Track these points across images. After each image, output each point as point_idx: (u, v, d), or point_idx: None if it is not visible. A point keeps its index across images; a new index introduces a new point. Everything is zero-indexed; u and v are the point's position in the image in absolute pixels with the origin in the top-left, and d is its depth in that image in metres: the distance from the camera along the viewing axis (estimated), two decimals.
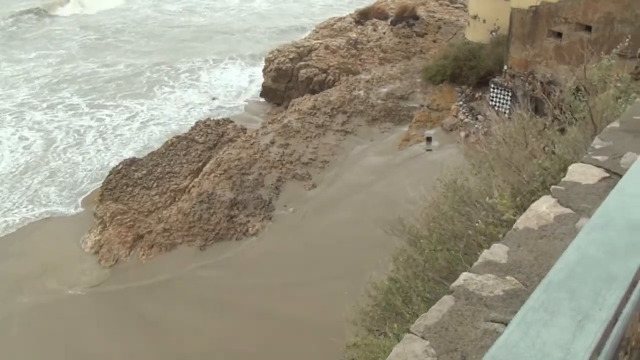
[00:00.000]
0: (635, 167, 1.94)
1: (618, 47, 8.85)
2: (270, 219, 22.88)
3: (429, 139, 25.33)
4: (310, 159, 25.95)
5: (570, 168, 3.74)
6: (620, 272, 1.40)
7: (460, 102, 27.05)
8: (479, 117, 25.40)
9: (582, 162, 3.78)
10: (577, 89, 9.38)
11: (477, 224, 5.90)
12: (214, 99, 35.38)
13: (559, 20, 21.99)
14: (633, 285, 1.41)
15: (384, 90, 30.19)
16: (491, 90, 25.47)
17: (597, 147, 3.92)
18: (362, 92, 30.11)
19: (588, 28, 21.08)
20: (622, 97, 8.02)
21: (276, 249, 20.88)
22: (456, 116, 26.16)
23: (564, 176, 3.70)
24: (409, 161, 25.07)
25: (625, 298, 1.37)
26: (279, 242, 21.38)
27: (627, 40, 9.38)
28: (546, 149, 7.93)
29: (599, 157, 3.75)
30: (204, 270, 20.61)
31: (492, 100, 25.21)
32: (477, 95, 27.31)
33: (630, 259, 1.45)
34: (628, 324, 1.53)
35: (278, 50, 35.70)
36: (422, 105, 28.74)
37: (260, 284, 19.20)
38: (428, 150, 24.90)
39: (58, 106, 34.84)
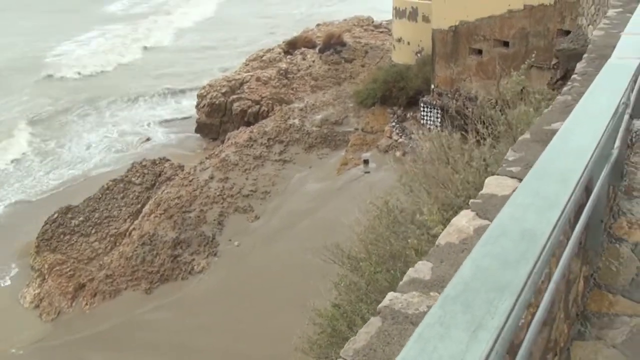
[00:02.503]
0: (528, 178, 2.07)
1: (526, 62, 9.30)
2: (215, 254, 22.62)
3: (366, 162, 25.71)
4: (251, 190, 25.89)
5: (486, 181, 3.91)
6: (512, 280, 1.50)
7: (393, 123, 27.63)
8: (412, 136, 25.98)
9: (498, 174, 3.96)
10: (497, 103, 9.79)
11: (409, 241, 6.04)
12: (147, 139, 34.94)
13: (478, 37, 22.89)
14: (522, 291, 1.51)
15: (318, 117, 30.54)
16: (421, 109, 26.16)
17: (510, 158, 4.12)
18: (296, 121, 30.37)
19: (506, 43, 22.04)
20: (540, 109, 8.43)
21: (224, 285, 20.62)
22: (390, 137, 26.68)
23: None
24: (349, 185, 25.34)
25: (515, 304, 1.46)
26: (227, 277, 21.14)
27: (534, 54, 9.88)
28: (472, 163, 8.23)
29: (512, 169, 3.94)
30: (152, 314, 20.12)
31: (423, 119, 25.88)
32: (408, 115, 27.96)
33: (522, 267, 1.56)
34: (516, 328, 1.63)
35: (210, 85, 35.69)
36: (356, 129, 29.20)
37: (211, 323, 18.88)
38: (366, 172, 25.24)
39: None
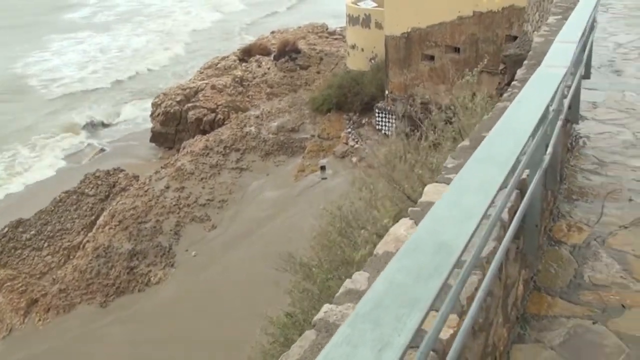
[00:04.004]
0: (449, 190, 2.09)
1: (474, 69, 9.46)
2: (172, 265, 22.33)
3: (323, 168, 25.78)
4: (208, 199, 25.66)
5: (425, 189, 3.93)
6: (423, 295, 1.50)
7: (349, 129, 27.79)
8: (368, 141, 26.18)
9: (437, 181, 3.99)
10: (448, 108, 9.94)
11: (361, 236, 6.06)
12: (102, 150, 34.29)
13: (430, 44, 23.23)
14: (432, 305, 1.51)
15: (275, 124, 30.50)
16: (376, 115, 26.38)
17: (449, 165, 4.16)
18: (253, 128, 30.26)
19: (457, 49, 22.42)
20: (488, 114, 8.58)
21: (181, 296, 20.35)
22: (346, 143, 26.83)
23: None
24: (306, 191, 25.36)
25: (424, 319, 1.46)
26: (184, 288, 20.87)
27: (487, 58, 10.07)
28: (425, 162, 8.32)
29: (451, 176, 3.97)
30: (108, 328, 19.70)
31: (378, 125, 26.09)
32: (364, 121, 28.17)
33: (434, 281, 1.57)
34: (434, 342, 1.64)
35: (164, 94, 35.27)
36: (312, 136, 29.26)
37: (169, 334, 18.59)
38: (323, 178, 25.31)
39: None
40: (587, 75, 7.68)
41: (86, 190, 26.91)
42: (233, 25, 57.70)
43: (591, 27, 6.68)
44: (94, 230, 24.10)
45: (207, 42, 51.58)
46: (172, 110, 33.57)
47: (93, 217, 25.49)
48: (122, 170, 28.95)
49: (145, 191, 25.78)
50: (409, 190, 6.23)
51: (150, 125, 34.77)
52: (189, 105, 33.61)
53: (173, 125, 33.59)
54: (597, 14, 7.96)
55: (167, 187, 25.95)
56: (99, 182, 27.53)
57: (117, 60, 48.53)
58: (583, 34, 5.33)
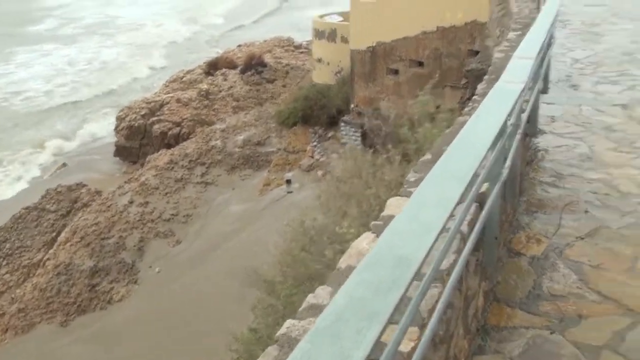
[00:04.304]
0: (408, 205, 2.12)
1: (435, 83, 9.61)
2: (135, 282, 21.98)
3: (288, 182, 25.74)
4: (172, 214, 25.38)
5: (387, 202, 3.97)
6: (382, 308, 1.52)
7: (315, 143, 27.85)
8: (333, 155, 26.27)
9: (399, 195, 4.03)
10: (408, 123, 10.05)
11: (325, 256, 6.07)
12: (64, 164, 33.70)
13: (395, 58, 23.49)
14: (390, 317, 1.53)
15: (240, 137, 30.40)
16: (342, 128, 26.50)
17: (412, 179, 4.20)
18: (218, 142, 30.11)
19: (421, 64, 22.71)
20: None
21: (145, 313, 20.02)
22: (312, 156, 26.87)
23: None
24: (272, 205, 25.26)
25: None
26: (147, 305, 20.54)
27: (437, 75, 10.25)
28: (384, 178, 8.39)
29: (412, 190, 4.01)
30: (69, 348, 19.25)
31: (343, 138, 26.20)
32: (329, 135, 28.25)
33: (393, 294, 1.59)
34: (394, 355, 1.66)
35: (128, 108, 34.92)
36: (278, 149, 29.23)
37: (132, 353, 18.25)
38: (289, 192, 25.26)
39: None
40: (545, 90, 7.88)
41: (47, 206, 26.40)
42: (205, 38, 57.51)
43: (549, 43, 6.87)
44: (54, 247, 23.61)
45: (179, 55, 51.17)
46: (136, 124, 33.24)
47: (54, 234, 25.00)
48: (84, 185, 28.48)
49: (108, 206, 25.39)
50: (372, 203, 6.28)
51: (114, 139, 34.36)
52: (154, 119, 33.33)
53: (137, 139, 33.24)
54: (555, 31, 8.19)
55: (131, 202, 25.59)
56: (61, 198, 27.04)
57: (86, 74, 47.85)
58: (541, 50, 5.48)
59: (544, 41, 5.60)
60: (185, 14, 65.98)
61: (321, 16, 31.51)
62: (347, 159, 8.90)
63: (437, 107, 10.56)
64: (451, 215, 2.21)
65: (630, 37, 11.66)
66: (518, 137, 4.19)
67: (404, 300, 1.67)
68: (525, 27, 8.08)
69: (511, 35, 8.84)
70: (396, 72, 23.96)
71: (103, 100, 42.94)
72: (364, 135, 23.54)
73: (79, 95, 43.76)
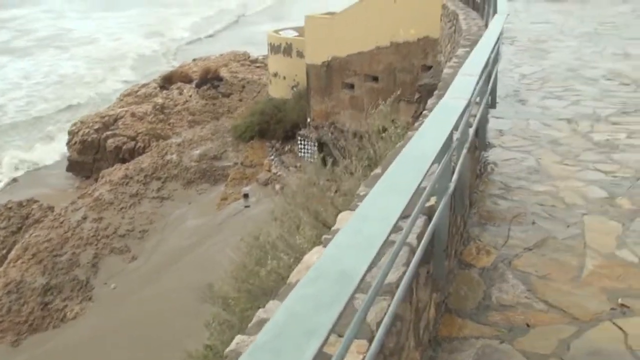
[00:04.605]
0: (352, 219, 2.15)
1: (390, 98, 9.76)
2: (90, 299, 21.51)
3: (246, 196, 25.65)
4: (128, 230, 24.97)
5: (339, 216, 4.01)
6: (322, 323, 1.54)
7: (272, 157, 27.87)
8: (291, 169, 26.32)
9: (350, 209, 4.07)
10: (363, 136, 10.16)
11: (280, 267, 6.06)
12: (14, 180, 32.81)
13: (350, 72, 23.76)
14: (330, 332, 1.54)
15: (197, 152, 30.18)
16: (299, 142, 26.61)
17: (361, 193, 4.25)
18: (174, 156, 29.82)
19: (375, 78, 23.02)
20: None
21: (100, 331, 19.58)
22: (269, 170, 26.86)
23: None
24: (230, 220, 25.11)
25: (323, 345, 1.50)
26: (103, 322, 20.09)
27: (399, 91, 10.42)
28: (339, 191, 8.45)
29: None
30: None
31: (300, 152, 26.30)
32: (286, 148, 28.33)
33: (333, 308, 1.61)
34: None
35: (81, 122, 34.29)
36: (235, 163, 29.12)
37: None
38: (246, 206, 25.16)
39: None
40: (493, 105, 8.08)
41: None
42: (163, 52, 56.94)
43: (495, 59, 7.06)
44: (5, 265, 22.95)
45: (146, 68, 50.40)
46: (89, 139, 32.68)
47: (4, 251, 24.30)
48: (36, 201, 27.81)
49: (61, 222, 24.83)
50: (325, 216, 6.31)
51: (66, 153, 33.68)
52: (108, 133, 32.82)
53: (91, 154, 32.66)
54: (501, 47, 8.41)
55: (85, 218, 25.09)
56: (11, 214, 26.34)
57: (43, 87, 46.71)
58: (486, 66, 5.63)
59: (489, 58, 5.75)
60: (147, 28, 65.21)
61: (276, 31, 31.69)
62: (304, 171, 8.94)
63: (392, 120, 10.69)
64: (398, 229, 2.25)
65: (574, 54, 12.06)
66: (465, 151, 4.29)
67: (348, 314, 1.69)
68: (474, 44, 8.27)
69: (460, 51, 9.06)
70: (352, 86, 24.23)
71: (65, 114, 41.94)
72: (320, 148, 23.65)
73: (36, 109, 42.71)
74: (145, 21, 68.91)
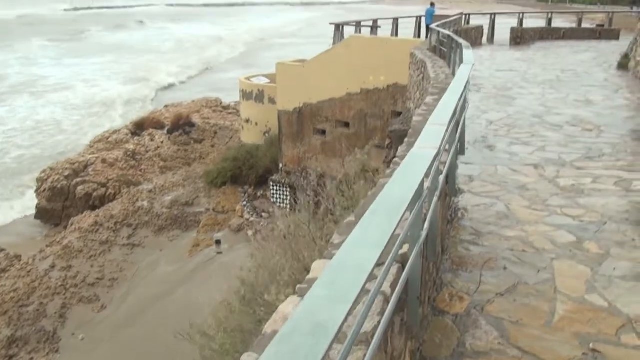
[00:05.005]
0: (326, 270, 2.18)
1: (363, 144, 9.90)
2: (57, 351, 20.83)
3: (218, 242, 25.43)
4: (97, 278, 24.44)
5: (313, 265, 4.02)
6: None
7: (244, 202, 27.78)
8: (263, 214, 26.25)
9: (324, 257, 4.09)
10: (341, 182, 10.26)
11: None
12: None
13: (321, 118, 24.05)
14: None
15: (168, 198, 29.94)
16: (271, 188, 26.63)
17: (336, 241, 4.28)
18: (145, 203, 29.52)
19: (347, 124, 23.33)
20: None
21: None
22: (242, 216, 26.74)
23: None
24: (202, 266, 24.80)
25: None
26: None
27: (376, 137, 10.56)
28: (327, 237, 8.46)
29: (335, 252, 4.09)
30: None
31: (273, 197, 26.29)
32: (259, 194, 28.30)
33: None
34: None
35: (51, 169, 33.83)
36: (207, 209, 28.93)
37: None
38: (219, 253, 24.92)
39: None
40: (462, 151, 8.26)
41: None
42: (152, 98, 56.81)
43: (462, 106, 7.25)
44: None
45: (134, 113, 49.97)
46: (59, 186, 32.20)
47: None
48: (2, 250, 27.11)
49: (28, 272, 24.22)
50: (308, 261, 6.30)
51: (35, 201, 33.09)
52: (78, 179, 32.41)
53: (60, 201, 32.13)
54: (468, 95, 8.64)
55: (53, 267, 24.53)
56: None
57: (19, 134, 46.06)
58: (454, 114, 5.78)
59: (457, 106, 5.91)
60: (123, 75, 65.11)
61: (248, 78, 32.03)
62: (285, 217, 8.96)
63: (363, 167, 10.84)
64: (372, 278, 2.28)
65: (539, 101, 12.44)
66: (436, 199, 4.37)
67: None
68: (442, 92, 8.50)
69: (429, 99, 9.28)
70: (323, 132, 24.49)
71: (44, 162, 41.32)
72: (293, 194, 23.68)
73: (11, 156, 41.99)
74: (120, 68, 68.93)
